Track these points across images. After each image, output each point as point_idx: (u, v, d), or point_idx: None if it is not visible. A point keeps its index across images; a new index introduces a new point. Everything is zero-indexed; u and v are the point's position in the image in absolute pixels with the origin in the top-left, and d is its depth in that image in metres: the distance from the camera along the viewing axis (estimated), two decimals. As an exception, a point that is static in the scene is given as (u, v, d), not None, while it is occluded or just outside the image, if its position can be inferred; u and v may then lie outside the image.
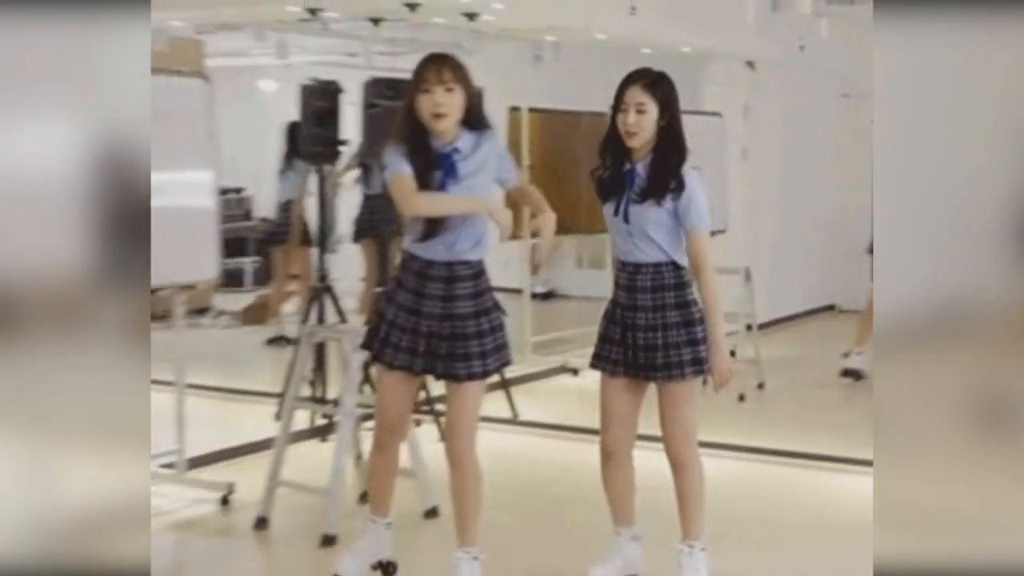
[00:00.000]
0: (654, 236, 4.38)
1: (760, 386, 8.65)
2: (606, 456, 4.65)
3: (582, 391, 8.47)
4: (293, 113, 7.54)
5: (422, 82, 4.22)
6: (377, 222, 9.06)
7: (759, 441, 6.99)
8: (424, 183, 4.26)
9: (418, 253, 4.35)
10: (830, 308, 12.53)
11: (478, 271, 4.38)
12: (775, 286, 10.68)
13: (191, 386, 6.29)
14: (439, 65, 4.24)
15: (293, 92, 7.33)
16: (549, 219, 4.45)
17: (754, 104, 11.17)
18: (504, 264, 9.64)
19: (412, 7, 7.58)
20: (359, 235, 9.77)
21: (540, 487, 6.21)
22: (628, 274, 4.47)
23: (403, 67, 10.91)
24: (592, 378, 9.21)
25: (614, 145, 4.48)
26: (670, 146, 4.42)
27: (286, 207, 10.14)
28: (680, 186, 4.35)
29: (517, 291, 9.57)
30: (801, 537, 5.45)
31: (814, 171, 12.32)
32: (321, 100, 6.91)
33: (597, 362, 4.64)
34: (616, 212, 4.43)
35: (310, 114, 6.91)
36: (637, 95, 4.37)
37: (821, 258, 12.29)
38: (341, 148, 7.14)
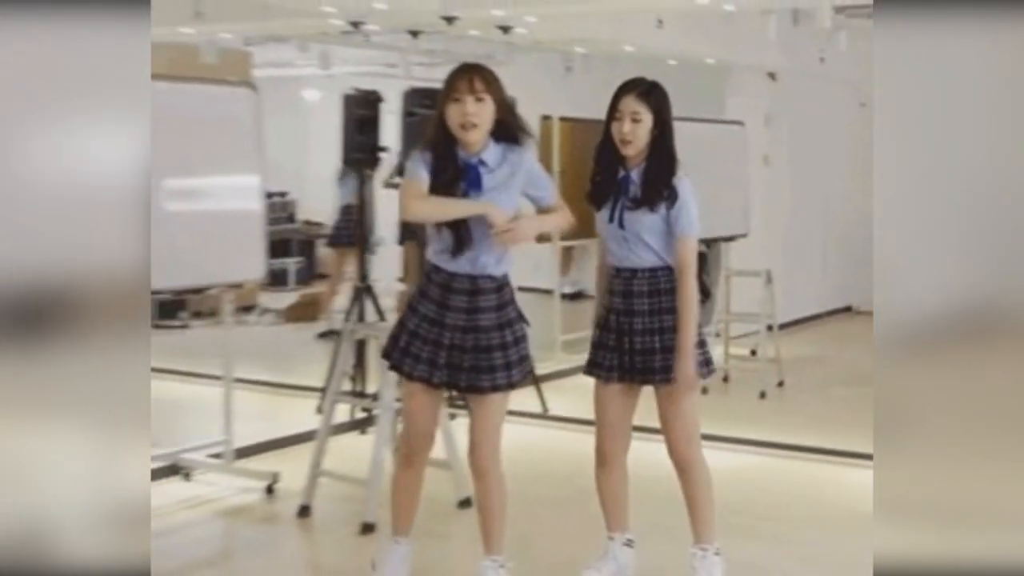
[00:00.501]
0: (650, 241, 4.25)
1: (780, 384, 8.61)
2: (600, 462, 4.52)
3: (609, 387, 8.48)
4: (335, 121, 7.56)
5: (453, 91, 4.01)
6: (418, 226, 9.07)
7: (779, 437, 6.95)
8: (448, 193, 4.06)
9: (442, 265, 4.14)
10: (847, 309, 12.47)
11: (501, 284, 4.17)
12: (795, 288, 10.64)
13: (238, 380, 6.31)
14: (471, 74, 4.01)
15: (335, 101, 7.37)
16: (560, 215, 4.30)
17: (775, 113, 11.14)
18: (534, 266, 9.67)
19: (449, 20, 7.58)
20: (404, 238, 9.81)
21: (568, 479, 6.18)
22: (624, 280, 4.32)
23: (440, 77, 10.96)
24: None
25: (609, 153, 4.33)
26: (664, 154, 4.29)
27: (347, 210, 10.19)
28: (674, 193, 4.23)
29: (547, 292, 9.59)
30: (818, 528, 5.42)
31: (832, 178, 12.27)
32: (362, 109, 6.94)
33: (591, 369, 4.46)
34: (611, 219, 4.30)
35: (352, 122, 6.95)
36: (632, 104, 4.22)
37: (839, 261, 12.23)
38: (381, 155, 7.15)
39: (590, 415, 7.45)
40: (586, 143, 9.27)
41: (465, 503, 5.51)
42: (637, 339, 4.28)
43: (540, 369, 7.69)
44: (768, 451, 6.78)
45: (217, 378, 6.23)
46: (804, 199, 11.64)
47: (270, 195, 10.03)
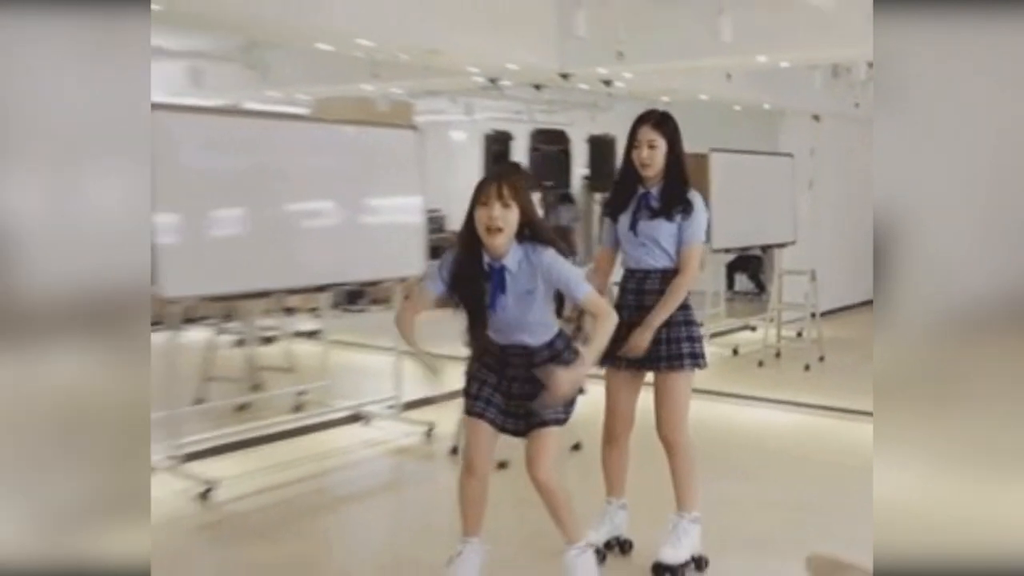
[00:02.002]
0: (666, 246, 3.77)
1: (821, 359, 8.46)
2: (607, 440, 4.00)
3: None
4: (476, 155, 7.65)
5: (481, 196, 3.34)
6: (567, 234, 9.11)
7: (820, 400, 6.86)
8: (473, 292, 3.40)
9: (494, 338, 3.48)
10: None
11: (553, 339, 3.44)
12: (833, 283, 10.43)
13: (404, 351, 6.42)
14: (499, 182, 3.34)
15: (477, 140, 7.46)
16: (601, 326, 3.38)
17: (818, 147, 10.95)
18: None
19: (565, 77, 7.64)
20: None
21: (652, 431, 6.19)
22: (638, 280, 3.82)
23: (558, 122, 11.03)
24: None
25: (629, 175, 3.84)
26: (678, 174, 3.80)
27: None
28: (689, 206, 3.77)
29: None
30: (853, 470, 5.33)
31: (863, 197, 11.98)
32: (497, 145, 7.02)
33: (604, 359, 3.78)
34: (631, 227, 3.82)
35: (489, 155, 7.03)
36: (648, 133, 3.77)
37: (868, 262, 11.96)
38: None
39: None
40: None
41: (576, 447, 5.48)
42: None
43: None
44: (811, 411, 6.69)
45: (389, 349, 6.35)
46: (840, 214, 11.42)
47: (427, 211, 10.22)
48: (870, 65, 8.13)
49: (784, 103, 10.42)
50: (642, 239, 3.81)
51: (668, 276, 3.77)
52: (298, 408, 6.48)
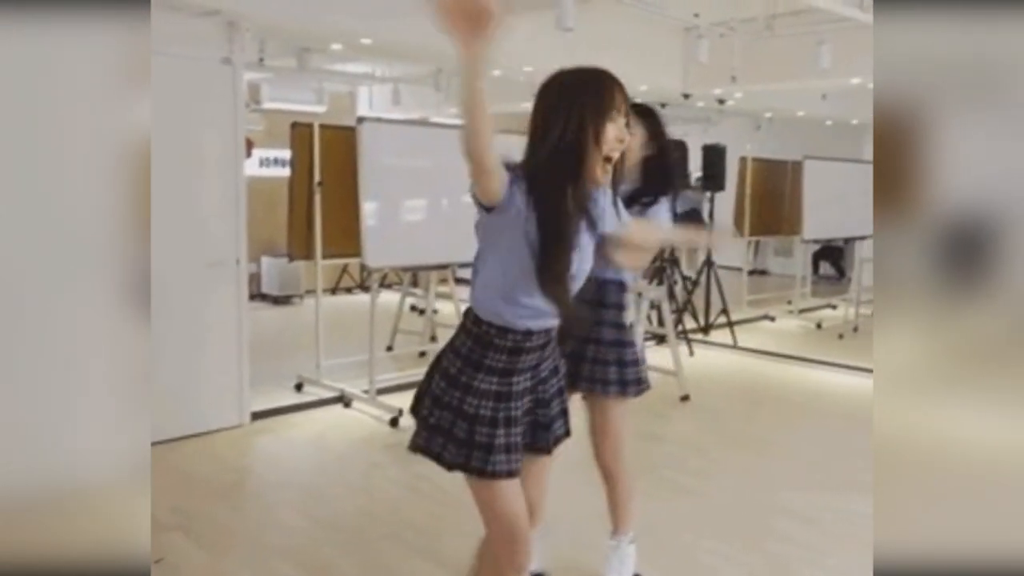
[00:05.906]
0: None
1: (855, 329, 8.06)
2: (603, 478, 2.89)
3: (777, 331, 8.14)
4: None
5: (611, 103, 1.81)
6: (696, 216, 8.81)
7: (854, 362, 6.51)
8: (563, 224, 1.84)
9: (533, 327, 1.94)
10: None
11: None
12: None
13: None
14: (624, 92, 1.85)
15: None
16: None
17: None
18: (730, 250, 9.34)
19: (686, 96, 7.47)
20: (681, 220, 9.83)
21: (749, 387, 6.02)
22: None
23: (677, 132, 10.77)
24: (783, 323, 8.86)
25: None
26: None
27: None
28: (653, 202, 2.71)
29: (738, 269, 9.29)
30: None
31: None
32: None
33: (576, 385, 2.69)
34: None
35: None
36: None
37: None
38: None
39: (763, 347, 7.18)
40: (768, 174, 8.95)
41: (685, 398, 5.41)
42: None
43: (733, 316, 7.47)
44: (846, 371, 6.29)
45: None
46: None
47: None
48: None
49: (869, 118, 9.89)
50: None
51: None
52: (464, 355, 6.54)
